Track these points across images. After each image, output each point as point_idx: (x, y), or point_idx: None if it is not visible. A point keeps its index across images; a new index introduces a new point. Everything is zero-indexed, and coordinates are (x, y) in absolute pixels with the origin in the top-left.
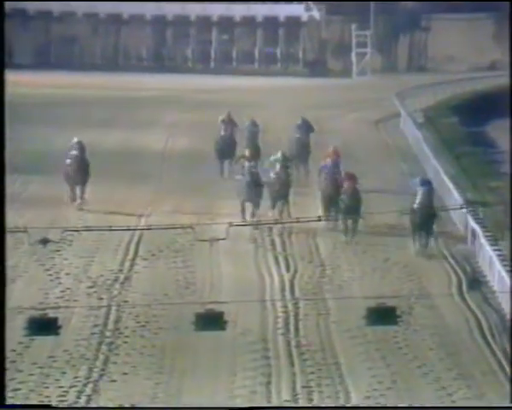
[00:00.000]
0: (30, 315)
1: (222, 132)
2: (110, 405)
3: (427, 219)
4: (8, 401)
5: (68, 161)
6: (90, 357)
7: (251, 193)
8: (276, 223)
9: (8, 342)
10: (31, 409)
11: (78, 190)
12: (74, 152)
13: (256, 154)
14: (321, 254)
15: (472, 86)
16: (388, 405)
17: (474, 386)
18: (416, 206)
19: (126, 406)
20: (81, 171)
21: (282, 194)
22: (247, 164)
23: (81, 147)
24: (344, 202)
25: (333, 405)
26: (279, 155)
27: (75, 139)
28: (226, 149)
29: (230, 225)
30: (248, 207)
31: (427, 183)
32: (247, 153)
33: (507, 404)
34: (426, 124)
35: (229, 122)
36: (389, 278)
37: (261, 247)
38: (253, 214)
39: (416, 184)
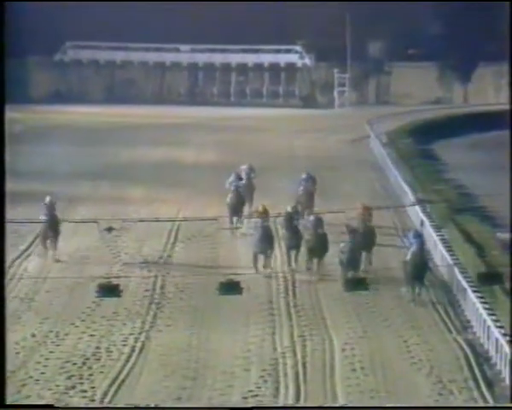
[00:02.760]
0: (100, 282)
1: (245, 179)
2: (158, 350)
3: (419, 270)
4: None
5: (40, 217)
6: (143, 313)
7: (263, 246)
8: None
9: (83, 302)
10: (31, 409)
11: (49, 243)
12: (45, 212)
13: (266, 210)
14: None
15: (422, 116)
16: (388, 405)
17: (423, 335)
18: (408, 257)
19: (126, 406)
20: (52, 227)
21: (295, 244)
22: (259, 220)
23: (51, 205)
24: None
25: (333, 405)
26: (289, 209)
27: (47, 198)
28: (247, 194)
29: (246, 217)
30: (261, 258)
31: (418, 236)
32: (260, 209)
33: (507, 404)
34: (388, 143)
35: (251, 172)
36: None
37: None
38: (265, 265)
39: (409, 238)
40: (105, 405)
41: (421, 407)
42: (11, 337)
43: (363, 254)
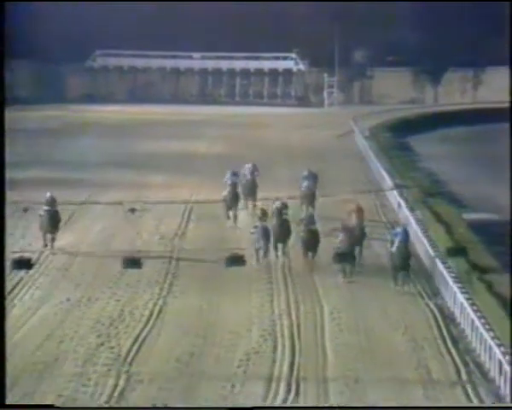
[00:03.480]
0: (124, 256)
1: (248, 177)
2: (174, 313)
3: (404, 261)
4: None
5: (42, 212)
6: (160, 282)
7: (261, 243)
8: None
9: (110, 272)
10: (31, 409)
11: (48, 237)
12: (46, 206)
13: (265, 213)
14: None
15: (399, 114)
16: (388, 405)
17: (400, 302)
18: (394, 250)
19: (125, 406)
20: (52, 221)
21: (283, 238)
22: (258, 223)
23: (52, 201)
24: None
25: (333, 405)
26: (278, 203)
27: (48, 195)
28: (250, 191)
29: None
30: (260, 252)
31: (404, 232)
32: (259, 212)
33: (507, 404)
34: (370, 137)
35: (254, 168)
36: None
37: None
38: (264, 257)
39: (395, 234)
40: (105, 405)
41: (421, 407)
42: (50, 301)
43: (356, 249)
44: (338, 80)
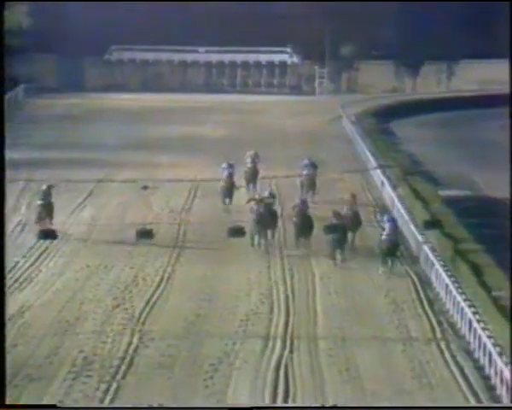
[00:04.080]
0: (137, 228)
1: (249, 165)
2: (181, 279)
3: (392, 247)
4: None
5: (39, 202)
6: (169, 252)
7: (258, 229)
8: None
9: (125, 243)
10: (31, 409)
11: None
12: (42, 197)
13: (262, 199)
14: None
15: (382, 101)
16: (388, 405)
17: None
18: (383, 237)
19: (126, 406)
20: (47, 211)
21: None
22: (255, 207)
23: (48, 192)
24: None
25: (332, 405)
26: (267, 193)
27: (44, 186)
28: (251, 177)
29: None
30: (256, 238)
31: (392, 219)
32: (256, 197)
33: (507, 404)
34: (356, 122)
35: (255, 157)
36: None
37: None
38: (259, 244)
39: (384, 220)
40: (105, 405)
41: (421, 407)
42: (71, 267)
43: (350, 234)
44: (328, 72)
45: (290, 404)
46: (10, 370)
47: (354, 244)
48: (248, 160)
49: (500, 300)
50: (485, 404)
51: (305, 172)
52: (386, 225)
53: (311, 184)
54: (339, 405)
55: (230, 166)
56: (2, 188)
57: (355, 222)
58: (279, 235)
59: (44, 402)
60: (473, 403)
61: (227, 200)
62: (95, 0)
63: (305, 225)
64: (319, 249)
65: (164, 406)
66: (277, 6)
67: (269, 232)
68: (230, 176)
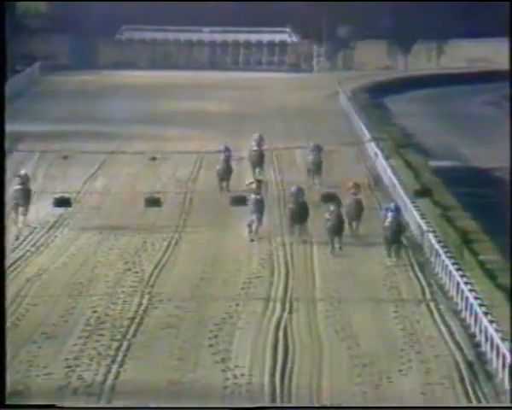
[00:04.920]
0: (146, 196)
1: (254, 147)
2: (187, 245)
3: (396, 235)
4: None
5: (15, 187)
6: (176, 218)
7: (255, 215)
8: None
9: (135, 210)
10: (31, 409)
11: (20, 210)
12: (19, 182)
13: (259, 186)
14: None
15: (376, 78)
16: (387, 405)
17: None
18: (387, 224)
19: (130, 406)
20: (25, 197)
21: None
22: (253, 196)
23: (26, 178)
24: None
25: (332, 405)
26: (253, 181)
27: (22, 171)
28: (257, 161)
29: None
30: (253, 226)
31: (396, 208)
32: (254, 186)
33: (507, 404)
34: (352, 97)
35: (260, 140)
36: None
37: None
38: (256, 230)
39: (389, 210)
40: (106, 405)
41: (421, 407)
42: (85, 233)
43: (353, 223)
44: (325, 50)
45: (290, 404)
46: (29, 327)
47: (358, 231)
48: (253, 143)
49: (486, 263)
50: (486, 404)
51: (310, 157)
52: (389, 213)
53: (317, 167)
54: (336, 382)
55: (227, 149)
56: (2, 188)
57: (357, 210)
58: (279, 205)
59: (61, 359)
60: (469, 404)
61: (224, 183)
62: (98, 0)
63: (300, 213)
64: (316, 218)
65: (164, 406)
66: None
67: (258, 218)
68: (227, 159)
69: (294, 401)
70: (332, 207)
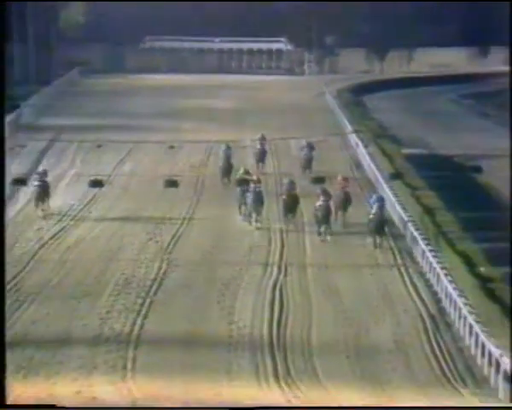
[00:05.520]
0: (165, 178)
1: (258, 146)
2: (200, 220)
3: (380, 225)
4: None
5: (35, 183)
6: (190, 197)
7: (255, 206)
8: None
9: (155, 190)
10: (31, 409)
11: (40, 204)
12: (38, 179)
13: (259, 179)
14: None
15: (356, 80)
16: (388, 405)
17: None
18: (371, 216)
19: (130, 406)
20: (44, 192)
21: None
22: (252, 185)
23: (44, 174)
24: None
25: (332, 405)
26: (242, 170)
27: (40, 168)
28: (260, 157)
29: (251, 140)
30: (253, 215)
31: (380, 199)
32: (254, 177)
33: (507, 404)
34: (337, 96)
35: (263, 140)
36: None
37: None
38: (256, 220)
39: (373, 201)
40: (106, 405)
41: (420, 407)
42: (115, 209)
43: (340, 213)
44: (314, 57)
45: (291, 404)
46: (69, 288)
47: (345, 220)
48: (257, 142)
49: (448, 234)
50: (486, 404)
51: (303, 153)
52: (374, 204)
53: (308, 162)
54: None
55: (229, 148)
56: (2, 188)
57: (346, 201)
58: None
59: (96, 313)
60: (468, 404)
61: (225, 179)
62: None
63: (292, 203)
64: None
65: (164, 406)
66: (276, 7)
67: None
68: (228, 157)
69: (288, 347)
70: (321, 201)
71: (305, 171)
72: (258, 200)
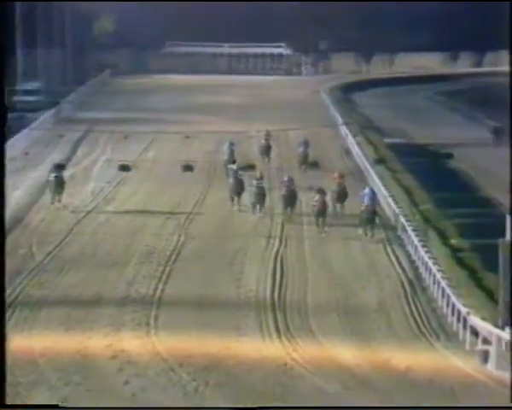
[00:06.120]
0: (182, 164)
1: (263, 141)
2: (212, 199)
3: (371, 216)
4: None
5: (51, 177)
6: (204, 179)
7: (258, 199)
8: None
9: (174, 173)
10: (31, 409)
11: (57, 197)
12: (54, 173)
13: (262, 175)
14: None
15: (346, 80)
16: (388, 405)
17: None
18: (363, 208)
19: (134, 406)
20: (59, 185)
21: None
22: (255, 181)
23: (61, 168)
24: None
25: (333, 405)
26: (235, 166)
27: (56, 162)
28: (265, 151)
29: (257, 131)
30: (257, 207)
31: (372, 192)
32: (257, 175)
33: (507, 404)
34: (330, 93)
35: (268, 136)
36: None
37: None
38: (259, 211)
39: (365, 194)
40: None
41: (421, 407)
42: (139, 191)
43: (338, 205)
44: (310, 60)
45: (291, 404)
46: (101, 257)
47: (343, 212)
48: (263, 138)
49: (424, 211)
50: (485, 404)
51: (300, 149)
52: (365, 197)
53: (304, 158)
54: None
55: (232, 144)
56: (2, 187)
57: (342, 196)
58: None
59: (123, 278)
60: (468, 404)
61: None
62: (120, 0)
63: (291, 199)
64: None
65: (164, 406)
66: (277, 17)
67: (236, 199)
68: (232, 153)
69: (287, 305)
70: (317, 196)
71: (301, 166)
72: (261, 194)
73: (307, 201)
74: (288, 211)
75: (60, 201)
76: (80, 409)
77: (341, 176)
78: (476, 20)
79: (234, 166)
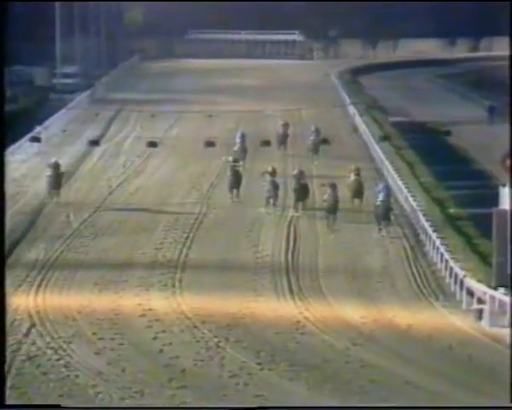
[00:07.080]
0: (205, 140)
1: (280, 131)
2: (223, 184)
3: (386, 212)
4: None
5: (48, 173)
6: (224, 154)
7: (272, 194)
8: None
9: (193, 153)
10: (31, 409)
11: (54, 193)
12: (51, 169)
13: (274, 171)
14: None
15: (354, 64)
16: (388, 405)
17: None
18: (378, 203)
19: (139, 405)
20: (56, 181)
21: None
22: (269, 178)
23: (57, 165)
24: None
25: (333, 405)
26: (231, 159)
27: (52, 160)
28: (282, 140)
29: (272, 110)
30: (270, 201)
31: (386, 188)
32: (269, 169)
33: (507, 404)
34: (339, 77)
35: (285, 125)
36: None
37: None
38: (273, 204)
39: (380, 189)
40: (106, 405)
41: (421, 407)
42: (165, 165)
43: (356, 200)
44: (321, 46)
45: (291, 405)
46: (131, 225)
47: (361, 207)
48: (280, 128)
49: (425, 183)
50: (485, 404)
51: (311, 138)
52: (380, 193)
53: (316, 146)
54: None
55: (243, 135)
56: (2, 187)
57: (359, 191)
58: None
59: (151, 244)
60: (468, 404)
61: (241, 162)
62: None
63: (302, 192)
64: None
65: (164, 406)
66: (291, 7)
67: (235, 192)
68: (243, 142)
69: (300, 268)
70: (329, 190)
71: (312, 155)
72: (275, 188)
73: (319, 193)
74: (299, 205)
75: (58, 195)
76: (80, 409)
77: (357, 169)
78: (473, 9)
79: (230, 159)
